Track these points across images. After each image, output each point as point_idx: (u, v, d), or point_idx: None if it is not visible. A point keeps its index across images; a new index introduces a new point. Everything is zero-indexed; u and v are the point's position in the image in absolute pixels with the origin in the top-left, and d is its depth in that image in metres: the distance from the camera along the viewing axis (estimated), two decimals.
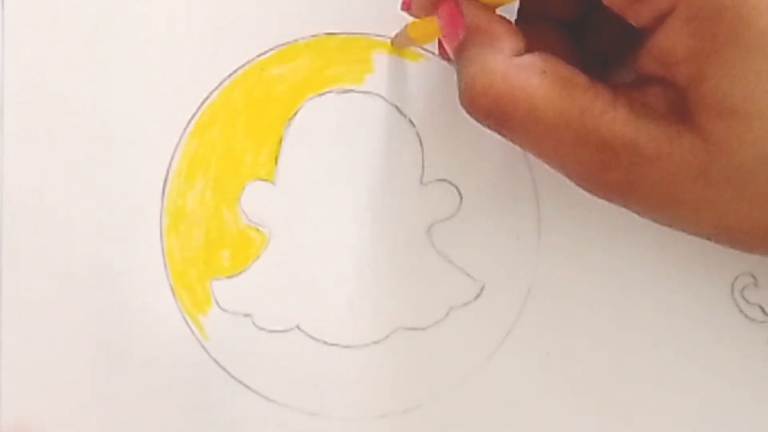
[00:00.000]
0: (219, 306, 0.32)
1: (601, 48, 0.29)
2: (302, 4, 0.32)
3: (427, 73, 0.32)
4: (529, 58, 0.27)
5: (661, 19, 0.25)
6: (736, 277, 0.32)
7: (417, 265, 0.32)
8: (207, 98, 0.32)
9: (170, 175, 0.32)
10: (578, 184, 0.27)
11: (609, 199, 0.27)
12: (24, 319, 0.31)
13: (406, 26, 0.30)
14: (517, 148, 0.28)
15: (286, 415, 0.32)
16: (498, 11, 0.28)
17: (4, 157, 0.32)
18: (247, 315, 0.32)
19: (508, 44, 0.27)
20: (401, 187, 0.32)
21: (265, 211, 0.32)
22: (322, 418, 0.32)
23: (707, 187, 0.25)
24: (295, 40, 0.32)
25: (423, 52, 0.32)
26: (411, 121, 0.32)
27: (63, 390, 0.31)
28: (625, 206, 0.27)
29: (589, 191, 0.27)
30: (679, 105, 0.25)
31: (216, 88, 0.32)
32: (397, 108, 0.32)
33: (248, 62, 0.32)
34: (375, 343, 0.32)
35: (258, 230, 0.32)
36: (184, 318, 0.32)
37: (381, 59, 0.32)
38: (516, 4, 0.29)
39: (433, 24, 0.28)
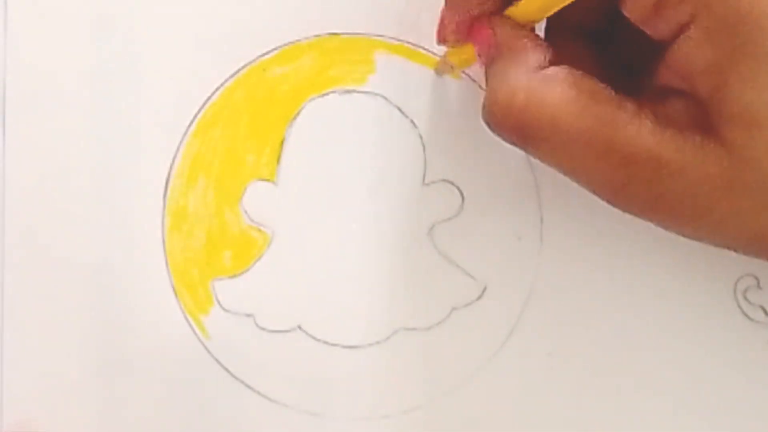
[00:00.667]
0: (220, 306, 0.32)
1: (628, 59, 0.29)
2: (304, 4, 0.32)
3: (430, 74, 0.32)
4: (552, 71, 0.27)
5: (680, 31, 0.25)
6: (739, 279, 0.32)
7: (419, 266, 0.32)
8: (209, 98, 0.32)
9: (172, 175, 0.32)
10: (603, 198, 0.27)
11: (634, 213, 0.27)
12: (25, 319, 0.31)
13: (445, 54, 0.31)
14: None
15: (288, 415, 0.31)
16: None
17: (6, 157, 0.32)
18: (248, 315, 0.32)
19: (533, 58, 0.27)
20: (403, 188, 0.32)
21: (266, 212, 0.32)
22: (324, 418, 0.32)
23: (734, 197, 0.25)
24: (298, 41, 0.32)
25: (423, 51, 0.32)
26: (413, 122, 0.32)
27: (64, 390, 0.31)
28: (651, 220, 0.27)
29: (615, 205, 0.27)
30: (701, 116, 0.25)
31: (218, 88, 0.32)
32: (399, 109, 0.32)
33: (250, 62, 0.32)
34: (377, 343, 0.32)
35: (260, 230, 0.32)
36: (186, 318, 0.32)
37: (383, 60, 0.32)
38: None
39: (471, 49, 0.29)
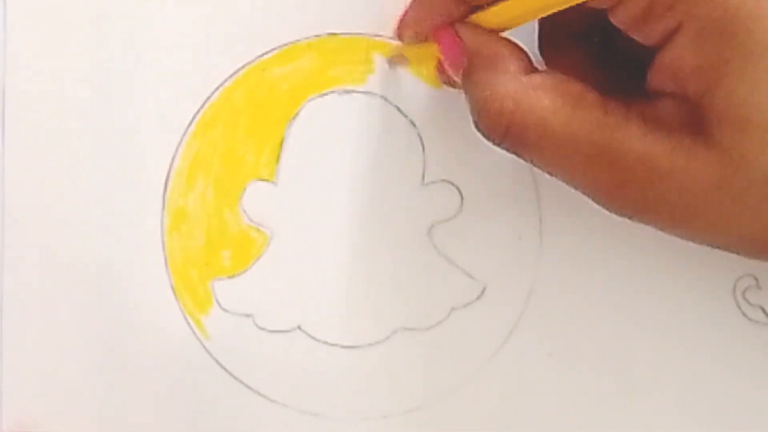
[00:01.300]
0: (220, 306, 0.32)
1: (619, 59, 0.29)
2: (304, 4, 0.32)
3: None
4: (538, 78, 0.27)
5: (668, 37, 0.26)
6: (738, 279, 0.32)
7: (418, 266, 0.32)
8: (208, 98, 0.32)
9: (171, 175, 0.32)
10: (596, 202, 0.27)
11: (628, 216, 0.27)
12: (25, 319, 0.31)
13: (401, 47, 0.31)
14: None
15: (287, 416, 0.32)
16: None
17: (6, 157, 0.32)
18: (248, 315, 0.32)
19: (515, 65, 0.27)
20: (402, 188, 0.32)
21: (266, 212, 0.32)
22: (323, 418, 0.32)
23: (726, 198, 0.25)
24: (297, 41, 0.32)
25: None
26: (412, 122, 0.32)
27: (63, 390, 0.31)
28: (644, 222, 0.27)
29: (608, 209, 0.27)
30: (691, 119, 0.25)
31: (217, 88, 0.32)
32: (399, 108, 0.32)
33: (250, 62, 0.32)
34: (376, 343, 0.32)
35: (259, 230, 0.32)
36: (185, 318, 0.32)
37: (382, 60, 0.32)
38: (535, 22, 0.29)
39: (431, 48, 0.29)
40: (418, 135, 0.32)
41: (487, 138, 0.27)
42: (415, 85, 0.32)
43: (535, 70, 0.27)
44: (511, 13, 0.27)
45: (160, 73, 0.32)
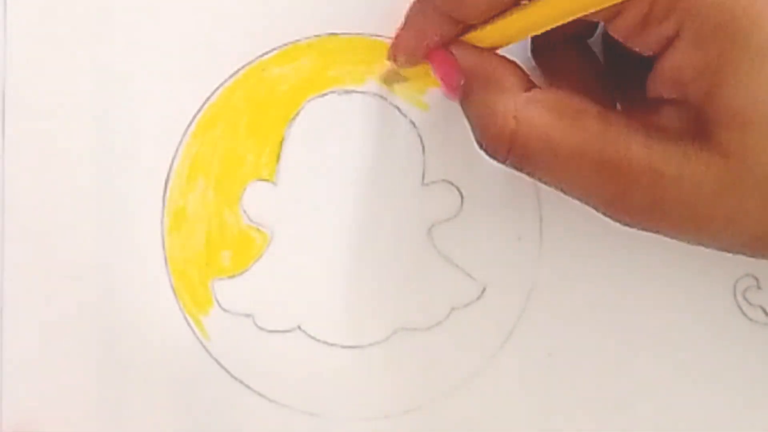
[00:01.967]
0: (220, 306, 0.32)
1: (619, 67, 0.30)
2: (304, 4, 0.32)
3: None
4: (537, 94, 0.27)
5: (667, 44, 0.26)
6: (738, 279, 0.32)
7: (418, 266, 0.32)
8: (208, 98, 0.32)
9: (172, 175, 0.32)
10: (603, 214, 0.27)
11: (634, 225, 0.27)
12: (25, 319, 0.31)
13: (395, 68, 0.31)
14: None
15: (287, 416, 0.32)
16: None
17: (6, 157, 0.32)
18: (248, 315, 0.32)
19: (513, 82, 0.27)
20: (402, 188, 0.32)
21: (266, 212, 0.32)
22: (323, 418, 0.32)
23: (732, 200, 0.25)
24: (297, 41, 0.32)
25: None
26: (412, 122, 0.32)
27: (63, 390, 0.31)
28: (651, 230, 0.27)
29: (617, 220, 0.27)
30: (694, 123, 0.26)
31: (217, 88, 0.32)
32: (399, 109, 0.32)
33: (250, 62, 0.32)
34: (376, 343, 0.32)
35: (259, 230, 0.32)
36: (185, 318, 0.32)
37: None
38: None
39: (426, 69, 0.29)
40: (418, 135, 0.32)
41: (492, 157, 0.27)
42: (422, 87, 0.32)
43: (533, 86, 0.27)
44: (505, 32, 0.27)
45: (160, 73, 0.32)
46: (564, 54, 0.29)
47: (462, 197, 0.32)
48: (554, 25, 0.26)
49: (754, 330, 0.32)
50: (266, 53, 0.32)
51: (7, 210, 0.32)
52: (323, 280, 0.32)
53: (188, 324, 0.32)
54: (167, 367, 0.32)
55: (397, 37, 0.29)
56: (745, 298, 0.32)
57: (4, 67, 0.32)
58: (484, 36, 0.27)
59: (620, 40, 0.27)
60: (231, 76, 0.32)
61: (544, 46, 0.29)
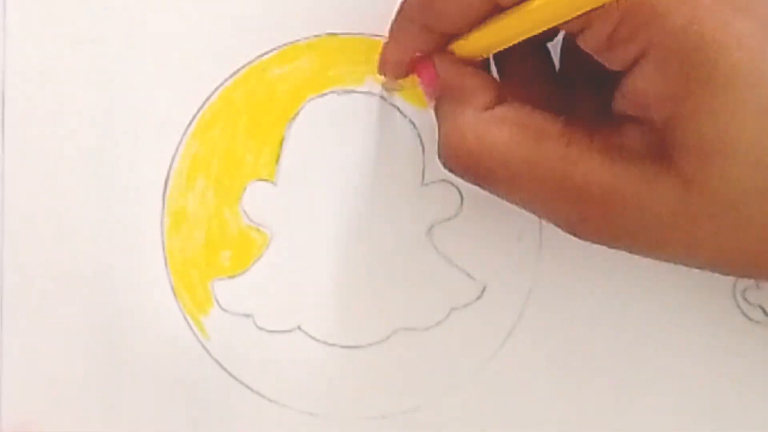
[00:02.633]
0: (220, 306, 0.32)
1: (586, 78, 0.29)
2: (304, 4, 0.32)
3: None
4: (499, 111, 0.27)
5: (634, 62, 0.25)
6: (738, 279, 0.32)
7: (418, 266, 0.32)
8: (208, 99, 0.32)
9: (171, 175, 0.32)
10: (566, 232, 0.27)
11: (598, 243, 0.27)
12: (25, 320, 0.31)
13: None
14: None
15: (287, 416, 0.32)
16: None
17: (6, 158, 0.32)
18: (248, 315, 0.32)
19: (479, 98, 0.27)
20: (402, 188, 0.32)
21: (266, 212, 0.32)
22: (323, 418, 0.32)
23: (692, 225, 0.25)
24: (297, 41, 0.32)
25: None
26: (412, 122, 0.32)
27: (63, 390, 0.31)
28: (615, 249, 0.27)
29: (576, 237, 0.27)
30: (656, 145, 0.25)
31: (217, 88, 0.32)
32: (399, 109, 0.32)
33: (249, 62, 0.32)
34: (376, 343, 0.32)
35: (259, 230, 0.32)
36: (185, 318, 0.32)
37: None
38: None
39: (415, 79, 0.29)
40: (418, 135, 0.32)
41: (451, 171, 0.27)
42: (415, 86, 0.32)
43: (501, 101, 0.27)
44: (485, 41, 0.27)
45: (160, 73, 0.32)
46: (523, 58, 0.29)
47: (462, 197, 0.32)
48: (531, 34, 0.26)
49: (753, 330, 0.32)
50: (266, 53, 0.32)
51: (7, 210, 0.32)
52: (323, 280, 0.32)
53: (188, 324, 0.32)
54: (167, 367, 0.32)
55: (383, 51, 0.29)
56: (744, 298, 0.32)
57: (4, 67, 0.32)
58: (464, 46, 0.27)
59: (590, 52, 0.26)
60: (231, 76, 0.32)
61: (504, 53, 0.28)
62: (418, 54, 0.28)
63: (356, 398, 0.32)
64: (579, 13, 0.25)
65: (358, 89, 0.32)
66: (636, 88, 0.25)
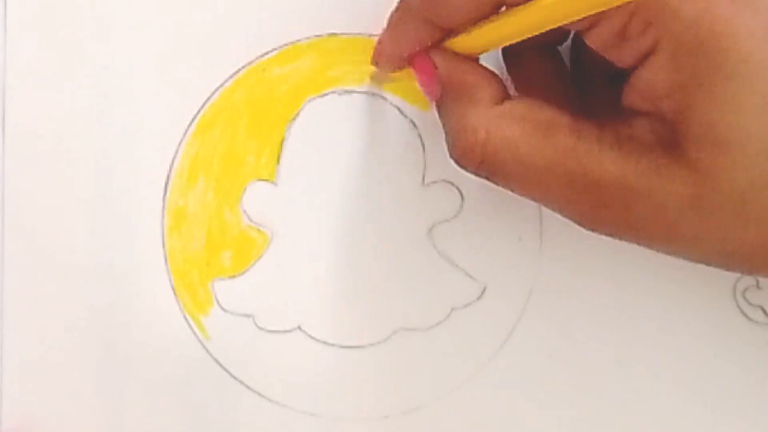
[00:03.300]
0: (220, 306, 0.32)
1: (594, 74, 0.29)
2: (304, 4, 0.32)
3: None
4: (508, 106, 0.27)
5: (643, 58, 0.25)
6: (739, 279, 0.32)
7: (418, 266, 0.32)
8: (209, 99, 0.32)
9: (172, 175, 0.32)
10: (577, 224, 0.27)
11: (609, 236, 0.27)
12: (25, 319, 0.31)
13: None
14: None
15: (287, 416, 0.32)
16: None
17: (6, 157, 0.32)
18: (248, 315, 0.32)
19: (486, 93, 0.27)
20: (403, 188, 0.32)
21: (266, 212, 0.32)
22: (323, 418, 0.32)
23: (702, 216, 0.25)
24: (297, 41, 0.32)
25: None
26: (413, 122, 0.32)
27: (64, 390, 0.31)
28: (626, 241, 0.27)
29: (589, 229, 0.27)
30: (666, 137, 0.25)
31: (218, 88, 0.32)
32: (399, 109, 0.32)
33: (250, 63, 0.32)
34: (376, 343, 0.32)
35: (259, 231, 0.32)
36: (186, 318, 0.32)
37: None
38: None
39: (409, 73, 0.29)
40: (419, 135, 0.32)
41: (462, 168, 0.27)
42: (415, 86, 0.32)
43: (508, 97, 0.27)
44: (486, 39, 0.27)
45: (161, 73, 0.32)
46: (534, 60, 0.29)
47: (462, 197, 0.32)
48: (534, 33, 0.26)
49: (753, 330, 0.32)
50: (266, 53, 0.32)
51: (7, 210, 0.32)
52: (323, 280, 0.32)
53: (188, 324, 0.32)
54: (167, 367, 0.32)
55: (379, 42, 0.29)
56: (744, 298, 0.32)
57: (4, 67, 0.32)
58: (464, 42, 0.27)
59: (597, 50, 0.27)
60: (231, 77, 0.32)
61: (514, 52, 0.28)
62: (416, 48, 0.28)
63: (356, 398, 0.32)
64: (593, 11, 0.25)
65: (359, 89, 0.32)
66: (647, 80, 0.26)
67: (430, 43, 0.28)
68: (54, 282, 0.31)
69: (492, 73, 0.28)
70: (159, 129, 0.32)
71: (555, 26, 0.25)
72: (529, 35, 0.26)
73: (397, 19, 0.29)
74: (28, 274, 0.32)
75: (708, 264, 0.27)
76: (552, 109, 0.27)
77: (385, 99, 0.32)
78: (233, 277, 0.32)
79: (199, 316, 0.32)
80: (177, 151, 0.32)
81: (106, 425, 0.31)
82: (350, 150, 0.32)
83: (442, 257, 0.32)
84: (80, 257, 0.31)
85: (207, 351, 0.32)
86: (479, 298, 0.32)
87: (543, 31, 0.26)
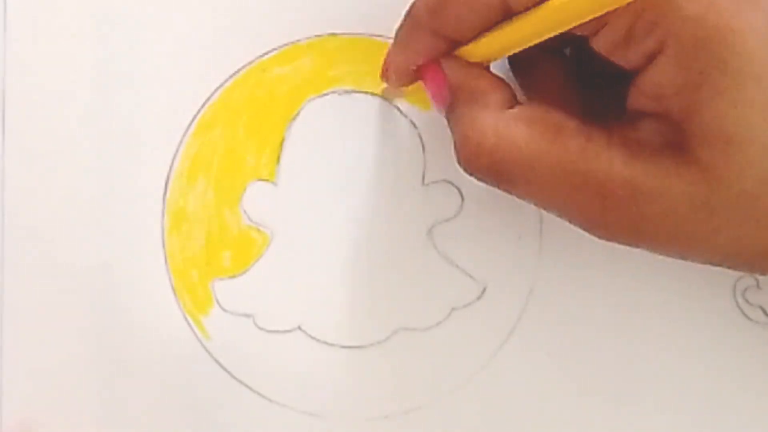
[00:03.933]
0: (220, 306, 0.32)
1: (600, 77, 0.29)
2: (304, 4, 0.32)
3: None
4: (517, 110, 0.27)
5: (650, 59, 0.25)
6: (738, 279, 0.32)
7: (418, 266, 0.32)
8: (209, 99, 0.32)
9: (172, 175, 0.32)
10: (584, 229, 0.27)
11: (617, 241, 0.27)
12: (25, 319, 0.31)
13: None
14: None
15: (287, 416, 0.32)
16: None
17: (6, 157, 0.32)
18: (248, 315, 0.32)
19: (496, 98, 0.27)
20: (403, 188, 0.32)
21: (266, 212, 0.32)
22: (323, 418, 0.32)
23: (711, 216, 0.25)
24: (297, 41, 0.32)
25: None
26: (413, 122, 0.32)
27: (64, 390, 0.31)
28: (633, 246, 0.27)
29: (596, 235, 0.27)
30: (674, 138, 0.25)
31: (218, 88, 0.32)
32: (399, 109, 0.32)
33: (250, 63, 0.32)
34: (376, 343, 0.32)
35: (259, 231, 0.32)
36: (186, 318, 0.32)
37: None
38: None
39: (420, 87, 0.29)
40: (419, 135, 0.32)
41: (470, 174, 0.27)
42: (415, 86, 0.32)
43: (517, 102, 0.27)
44: (494, 47, 0.27)
45: (160, 73, 0.32)
46: (541, 65, 0.29)
47: (462, 197, 0.32)
48: (542, 39, 0.26)
49: (753, 330, 0.32)
50: (266, 53, 0.32)
51: (7, 210, 0.32)
52: (323, 280, 0.32)
53: (188, 324, 0.32)
54: (167, 367, 0.32)
55: (388, 56, 0.29)
56: (744, 298, 0.32)
57: (4, 67, 0.32)
58: (474, 51, 0.27)
59: (603, 54, 0.27)
60: (231, 77, 0.32)
61: (521, 57, 0.28)
62: (425, 59, 0.28)
63: (356, 398, 0.32)
64: (601, 12, 0.25)
65: (359, 89, 0.32)
66: (653, 81, 0.26)
67: (438, 54, 0.28)
68: (54, 282, 0.31)
69: (501, 79, 0.28)
70: (159, 129, 0.32)
71: (563, 30, 0.25)
72: (538, 41, 0.26)
73: (404, 33, 0.28)
74: (28, 274, 0.32)
75: (716, 265, 0.27)
76: (560, 112, 0.27)
77: (385, 99, 0.32)
78: (233, 277, 0.32)
79: (199, 316, 0.32)
80: (177, 151, 0.32)
81: (106, 425, 0.31)
82: (350, 150, 0.32)
83: (442, 257, 0.32)
84: (80, 258, 0.31)
85: (207, 351, 0.32)
86: (479, 298, 0.32)
87: (550, 35, 0.26)
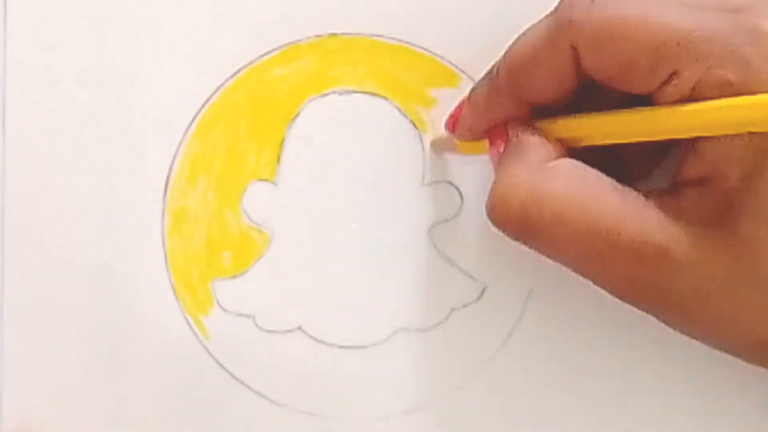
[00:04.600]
0: (220, 306, 0.32)
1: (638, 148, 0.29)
2: (304, 4, 0.32)
3: None
4: (553, 164, 0.26)
5: None
6: None
7: (418, 267, 0.32)
8: (209, 99, 0.32)
9: (172, 175, 0.32)
10: (607, 290, 0.26)
11: (639, 307, 0.26)
12: (26, 319, 0.31)
13: (451, 138, 0.30)
14: None
15: (287, 416, 0.32)
16: None
17: (6, 157, 0.32)
18: (248, 316, 0.32)
19: (537, 153, 0.26)
20: (403, 188, 0.32)
21: (266, 212, 0.32)
22: (323, 419, 0.32)
23: (740, 295, 0.25)
24: (298, 41, 0.32)
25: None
26: (412, 122, 0.32)
27: (64, 390, 0.31)
28: (656, 315, 0.26)
29: (619, 297, 0.26)
30: (717, 209, 0.25)
31: (218, 88, 0.32)
32: (399, 109, 0.32)
33: (250, 63, 0.32)
34: (376, 343, 0.32)
35: (260, 231, 0.32)
36: (186, 318, 0.32)
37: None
38: None
39: (482, 143, 0.29)
40: (419, 136, 0.32)
41: (496, 224, 0.27)
42: (418, 89, 0.32)
43: (557, 158, 0.27)
44: (593, 131, 0.27)
45: (161, 73, 0.32)
46: None
47: (462, 198, 0.32)
48: (629, 141, 0.25)
49: None
50: (267, 53, 0.32)
51: (7, 210, 0.32)
52: (323, 280, 0.32)
53: (188, 324, 0.32)
54: (167, 367, 0.32)
55: (460, 109, 0.29)
56: None
57: (4, 67, 0.32)
58: (554, 131, 0.27)
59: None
60: (231, 77, 0.32)
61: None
62: (502, 121, 0.28)
63: (356, 398, 0.32)
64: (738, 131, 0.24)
65: (359, 89, 0.32)
66: (717, 148, 0.24)
67: (515, 117, 0.28)
68: (54, 282, 0.31)
69: (545, 138, 0.27)
70: (159, 129, 0.32)
71: (649, 138, 0.25)
72: (646, 139, 0.25)
73: (481, 93, 0.28)
74: (29, 274, 0.31)
75: (737, 355, 0.27)
76: (597, 172, 0.26)
77: (385, 99, 0.32)
78: (233, 277, 0.32)
79: (199, 316, 0.32)
80: (177, 151, 0.32)
81: (106, 425, 0.31)
82: (350, 150, 0.32)
83: (442, 257, 0.32)
84: (80, 257, 0.31)
85: (207, 351, 0.32)
86: (479, 298, 0.32)
87: (657, 139, 0.25)
